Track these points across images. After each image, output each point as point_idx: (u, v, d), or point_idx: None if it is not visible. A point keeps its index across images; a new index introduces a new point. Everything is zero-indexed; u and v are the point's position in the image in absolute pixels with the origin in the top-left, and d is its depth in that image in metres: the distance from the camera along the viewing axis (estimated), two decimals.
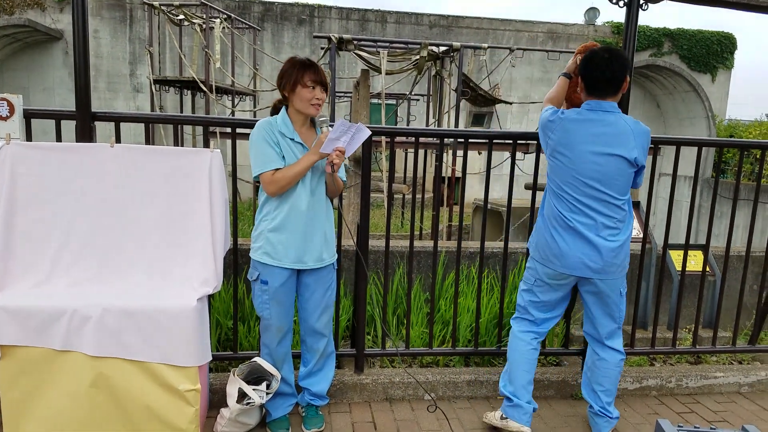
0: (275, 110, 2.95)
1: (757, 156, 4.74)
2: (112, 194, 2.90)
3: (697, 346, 3.96)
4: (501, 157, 10.36)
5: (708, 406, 3.61)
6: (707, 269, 3.94)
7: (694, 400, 3.69)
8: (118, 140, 3.01)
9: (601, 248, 2.82)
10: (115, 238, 2.91)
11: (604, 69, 2.78)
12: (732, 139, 4.63)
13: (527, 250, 3.16)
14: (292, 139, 2.82)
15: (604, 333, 3.07)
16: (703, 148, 3.79)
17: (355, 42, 8.49)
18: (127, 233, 2.92)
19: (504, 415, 3.08)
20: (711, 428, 2.63)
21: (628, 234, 2.91)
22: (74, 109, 3.01)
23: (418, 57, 8.65)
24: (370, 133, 2.91)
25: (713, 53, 17.89)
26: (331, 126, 2.79)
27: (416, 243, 4.12)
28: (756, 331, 4.08)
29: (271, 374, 2.95)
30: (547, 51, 12.54)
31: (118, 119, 3.17)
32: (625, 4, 3.26)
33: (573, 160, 2.81)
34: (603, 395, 3.07)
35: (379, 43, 9.14)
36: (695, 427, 2.69)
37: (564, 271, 2.89)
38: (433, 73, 10.01)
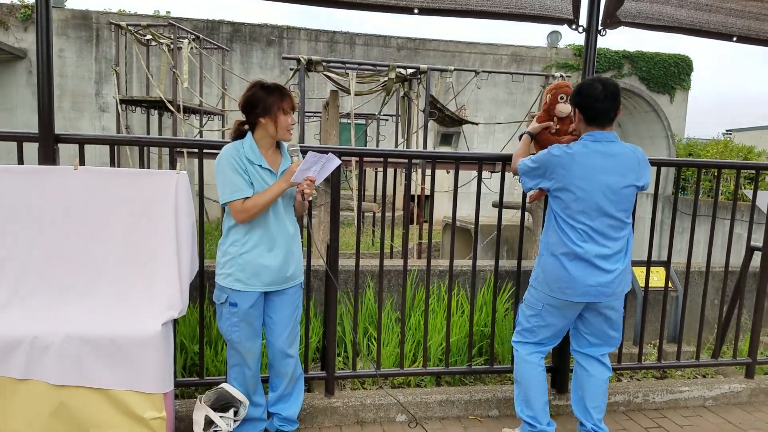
0: (240, 134, 2.90)
1: (715, 173, 4.90)
2: (76, 218, 2.84)
3: (663, 361, 4.03)
4: (469, 175, 10.49)
5: (675, 420, 3.67)
6: (669, 285, 4.04)
7: (661, 414, 3.75)
8: (82, 162, 2.95)
9: (613, 273, 2.91)
10: (78, 262, 2.84)
11: (603, 99, 2.86)
12: (690, 159, 4.77)
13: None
14: (260, 166, 2.80)
15: (604, 348, 3.14)
16: (663, 167, 3.88)
17: (324, 63, 8.55)
18: (90, 257, 2.86)
19: None
20: None
21: (631, 252, 3.02)
22: (37, 131, 2.93)
23: (386, 78, 8.75)
24: (340, 162, 2.93)
25: (671, 75, 18.47)
26: (302, 155, 2.82)
27: (386, 262, 4.14)
28: (718, 345, 4.18)
29: (239, 401, 2.90)
30: (511, 73, 12.79)
31: (82, 141, 3.10)
32: (584, 30, 3.36)
33: (590, 192, 2.85)
34: (594, 412, 3.11)
35: (347, 65, 9.23)
36: None
37: (578, 300, 2.94)
38: (401, 94, 10.13)
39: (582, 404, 3.16)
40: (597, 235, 2.88)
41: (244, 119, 2.87)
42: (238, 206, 2.74)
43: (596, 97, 2.86)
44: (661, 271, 4.23)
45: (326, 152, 2.83)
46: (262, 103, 2.76)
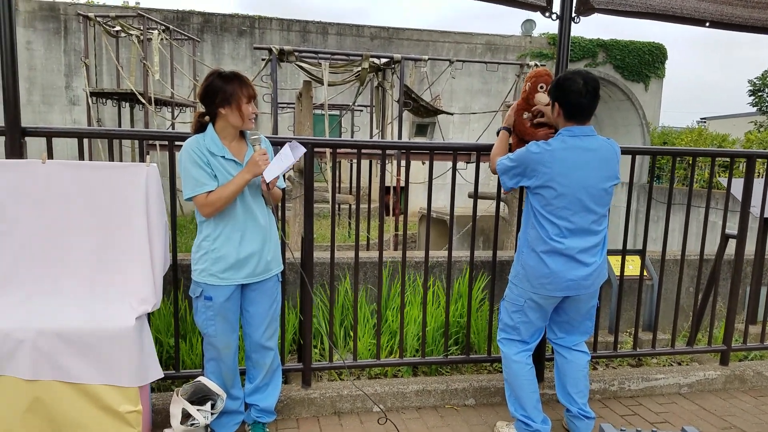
0: (201, 126, 2.81)
1: (690, 162, 4.93)
2: (44, 212, 2.79)
3: (638, 349, 4.05)
4: (444, 166, 10.49)
5: (650, 407, 3.70)
6: (645, 273, 4.06)
7: (636, 402, 3.77)
8: (50, 156, 2.89)
9: (592, 266, 2.92)
10: (47, 257, 2.80)
11: (585, 94, 2.82)
12: (665, 147, 4.79)
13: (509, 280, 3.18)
14: (223, 157, 2.73)
15: (580, 337, 3.16)
16: (638, 155, 3.89)
17: (296, 53, 8.46)
18: (60, 252, 2.81)
19: None
20: (653, 431, 2.70)
21: (607, 244, 3.04)
22: (2, 125, 2.88)
23: (360, 68, 8.68)
24: (305, 150, 2.90)
25: (645, 63, 18.64)
26: (263, 142, 2.80)
27: (362, 254, 4.11)
28: (693, 332, 4.21)
29: (216, 394, 2.87)
30: (485, 62, 12.78)
31: (49, 134, 3.04)
32: (557, 17, 3.34)
33: (571, 188, 2.83)
34: (578, 397, 3.14)
35: (320, 55, 9.14)
36: (638, 430, 2.76)
37: (559, 294, 2.95)
38: (375, 84, 10.07)
39: (565, 390, 3.18)
40: (578, 230, 2.88)
41: (204, 111, 2.80)
42: (202, 200, 2.69)
43: (578, 92, 2.82)
44: (637, 259, 4.25)
45: (290, 140, 2.81)
46: (221, 93, 2.68)
